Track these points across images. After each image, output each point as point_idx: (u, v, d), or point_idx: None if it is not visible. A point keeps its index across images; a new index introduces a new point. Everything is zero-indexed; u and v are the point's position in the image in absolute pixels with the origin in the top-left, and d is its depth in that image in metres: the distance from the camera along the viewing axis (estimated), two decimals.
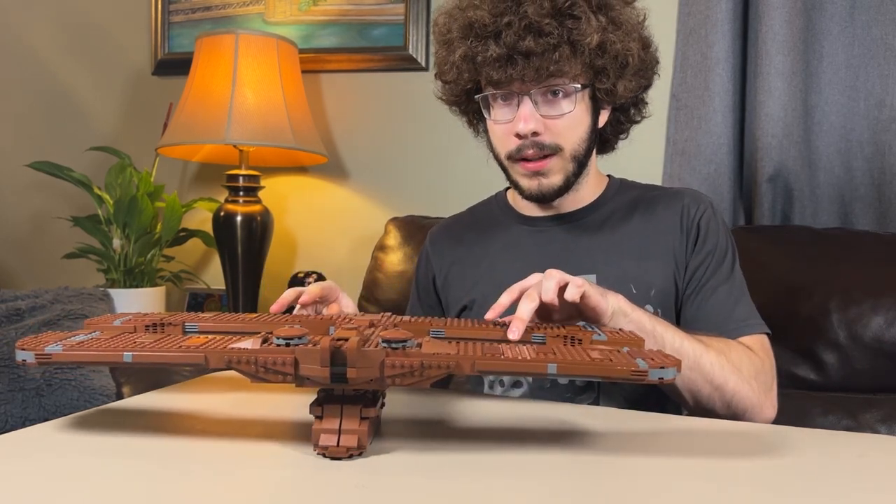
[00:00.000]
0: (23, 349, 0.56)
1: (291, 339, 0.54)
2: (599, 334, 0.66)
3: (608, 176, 1.05)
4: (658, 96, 1.04)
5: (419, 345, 0.56)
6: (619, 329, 0.72)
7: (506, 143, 0.93)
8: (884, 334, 1.23)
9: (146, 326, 0.67)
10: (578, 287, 0.72)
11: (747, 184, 1.56)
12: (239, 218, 1.69)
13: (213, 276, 1.94)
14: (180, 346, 0.55)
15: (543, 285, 0.71)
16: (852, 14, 1.49)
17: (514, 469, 0.54)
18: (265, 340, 0.56)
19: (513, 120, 0.91)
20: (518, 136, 0.90)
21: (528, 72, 0.86)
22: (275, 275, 1.83)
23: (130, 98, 2.04)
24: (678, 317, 0.96)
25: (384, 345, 0.54)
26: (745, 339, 0.90)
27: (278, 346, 0.54)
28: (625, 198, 1.01)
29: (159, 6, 1.98)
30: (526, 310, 0.68)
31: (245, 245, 1.70)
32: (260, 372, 0.53)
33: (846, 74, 1.50)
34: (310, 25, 1.88)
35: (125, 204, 1.69)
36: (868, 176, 1.49)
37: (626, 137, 1.05)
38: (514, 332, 0.66)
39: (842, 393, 1.25)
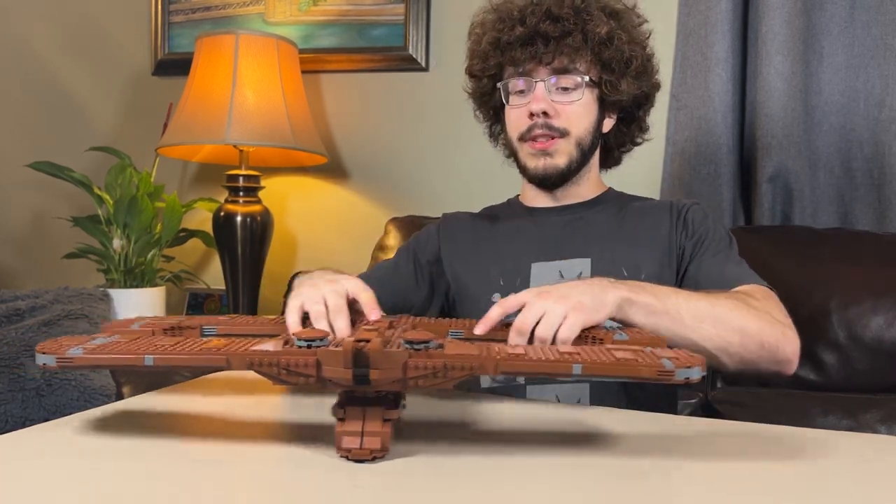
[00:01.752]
0: (43, 353, 0.55)
1: (313, 340, 0.54)
2: (621, 334, 0.66)
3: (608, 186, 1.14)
4: (658, 96, 1.08)
5: (441, 346, 0.55)
6: (639, 329, 0.71)
7: (519, 125, 1.03)
8: (884, 334, 1.23)
9: (164, 330, 0.67)
10: (571, 328, 0.69)
11: (747, 184, 1.56)
12: (239, 218, 1.69)
13: (213, 277, 1.94)
14: (201, 349, 0.55)
15: (539, 330, 0.69)
16: (852, 14, 1.49)
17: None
18: (286, 342, 0.56)
19: (527, 103, 1.01)
20: (531, 115, 1.00)
21: (546, 54, 0.98)
22: (275, 275, 1.83)
23: (130, 98, 2.04)
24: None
25: (406, 346, 0.54)
26: (744, 287, 0.93)
27: (300, 347, 0.54)
28: (620, 200, 1.09)
29: (159, 6, 1.97)
30: (513, 342, 0.69)
31: (245, 245, 1.70)
32: (282, 374, 0.52)
33: (846, 74, 1.50)
34: (310, 25, 1.87)
35: (125, 204, 1.69)
36: (868, 176, 1.49)
37: (628, 151, 1.13)
38: (481, 328, 0.72)
39: (842, 393, 1.25)
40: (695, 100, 1.54)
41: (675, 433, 0.68)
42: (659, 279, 0.96)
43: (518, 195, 1.15)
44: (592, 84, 1.01)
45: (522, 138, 1.02)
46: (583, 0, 0.99)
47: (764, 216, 1.51)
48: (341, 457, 0.54)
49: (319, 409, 0.71)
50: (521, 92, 1.03)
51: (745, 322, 0.83)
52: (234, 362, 0.53)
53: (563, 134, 1.00)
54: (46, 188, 2.03)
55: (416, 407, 0.71)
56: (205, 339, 0.60)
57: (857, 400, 1.24)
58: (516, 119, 1.03)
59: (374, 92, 1.86)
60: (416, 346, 0.54)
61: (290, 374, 0.52)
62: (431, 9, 1.79)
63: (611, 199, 1.09)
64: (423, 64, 1.80)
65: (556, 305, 0.70)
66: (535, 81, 1.00)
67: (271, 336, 0.62)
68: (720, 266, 0.97)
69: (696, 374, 0.53)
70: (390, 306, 1.03)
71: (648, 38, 1.05)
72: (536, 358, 0.53)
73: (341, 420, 0.54)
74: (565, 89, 1.00)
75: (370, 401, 0.54)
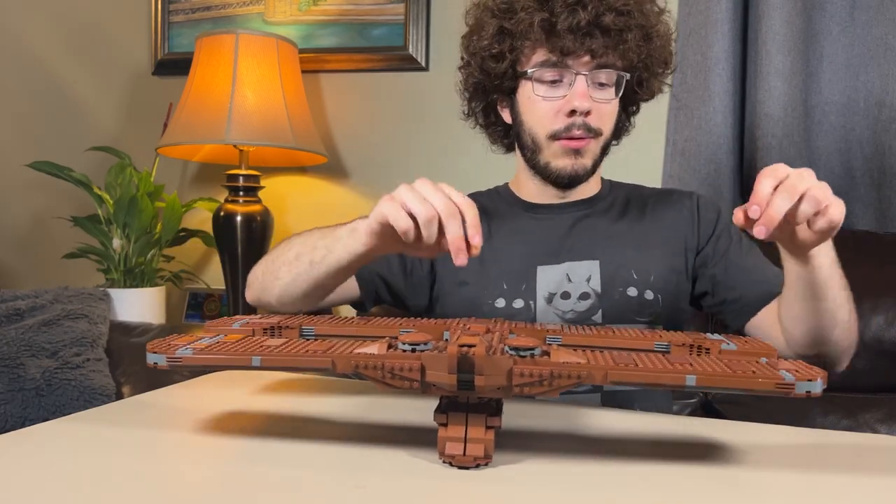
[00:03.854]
0: (154, 352, 0.56)
1: (417, 344, 0.54)
2: (728, 343, 0.63)
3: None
4: (658, 96, 1.05)
5: (546, 353, 0.54)
6: (747, 339, 0.68)
7: (552, 121, 0.94)
8: (884, 334, 1.23)
9: (264, 329, 0.68)
10: (837, 219, 0.68)
11: (747, 184, 1.56)
12: (239, 218, 1.69)
13: (213, 276, 1.94)
14: (307, 351, 0.55)
15: (809, 194, 0.67)
16: (852, 14, 1.49)
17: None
18: (390, 346, 0.56)
19: (564, 98, 0.92)
20: (572, 112, 0.92)
21: (601, 48, 0.89)
22: None
23: (130, 98, 2.04)
24: (690, 296, 1.01)
25: (511, 353, 0.53)
26: None
27: (404, 351, 0.54)
28: (619, 194, 1.05)
29: (159, 6, 1.97)
30: (781, 208, 0.66)
31: (245, 245, 1.70)
32: (386, 378, 0.52)
33: (846, 74, 1.50)
34: (310, 25, 1.88)
35: (125, 204, 1.69)
36: (868, 176, 1.49)
37: (617, 144, 1.07)
38: (763, 231, 0.66)
39: (842, 393, 1.25)
40: (695, 100, 1.54)
41: (680, 434, 0.68)
42: (667, 281, 0.96)
43: (507, 183, 1.08)
44: (631, 78, 0.95)
45: (555, 136, 0.94)
46: None
47: None
48: (444, 462, 0.54)
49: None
50: (553, 82, 0.93)
51: (848, 298, 0.84)
52: (340, 365, 0.53)
53: (597, 134, 0.94)
54: (46, 188, 2.03)
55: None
56: (307, 340, 0.61)
57: (856, 400, 1.24)
58: (549, 114, 0.93)
59: (374, 92, 1.86)
60: (521, 353, 0.53)
61: (395, 378, 0.52)
62: (431, 9, 1.79)
63: (609, 193, 1.04)
64: (423, 64, 1.80)
65: (821, 189, 0.68)
66: (576, 74, 0.91)
67: (369, 338, 0.61)
68: (758, 265, 0.96)
69: (817, 387, 0.50)
70: (372, 287, 1.00)
71: (675, 32, 1.00)
72: (648, 368, 0.51)
73: (443, 426, 0.54)
74: (601, 84, 0.93)
75: (472, 407, 0.53)
